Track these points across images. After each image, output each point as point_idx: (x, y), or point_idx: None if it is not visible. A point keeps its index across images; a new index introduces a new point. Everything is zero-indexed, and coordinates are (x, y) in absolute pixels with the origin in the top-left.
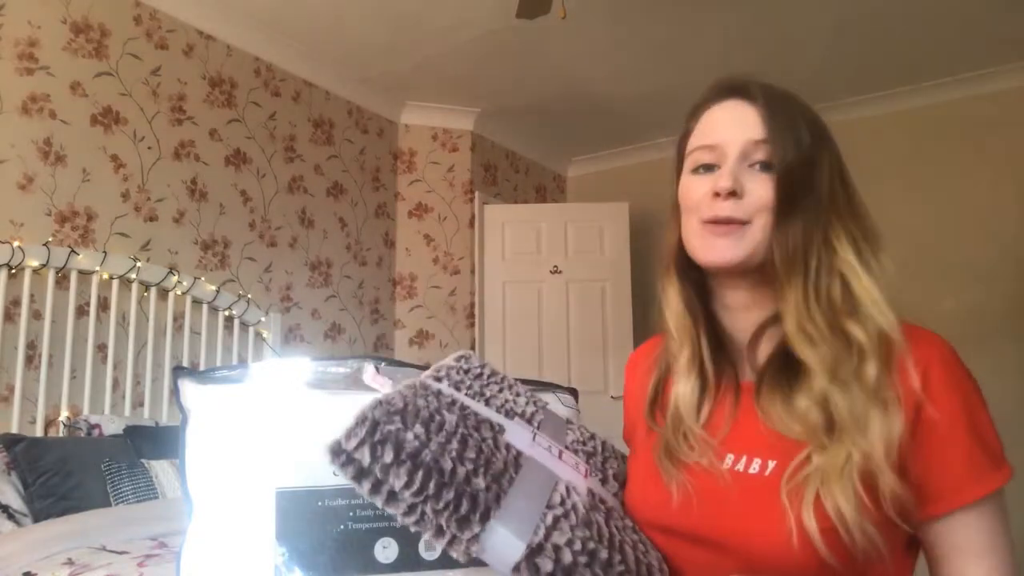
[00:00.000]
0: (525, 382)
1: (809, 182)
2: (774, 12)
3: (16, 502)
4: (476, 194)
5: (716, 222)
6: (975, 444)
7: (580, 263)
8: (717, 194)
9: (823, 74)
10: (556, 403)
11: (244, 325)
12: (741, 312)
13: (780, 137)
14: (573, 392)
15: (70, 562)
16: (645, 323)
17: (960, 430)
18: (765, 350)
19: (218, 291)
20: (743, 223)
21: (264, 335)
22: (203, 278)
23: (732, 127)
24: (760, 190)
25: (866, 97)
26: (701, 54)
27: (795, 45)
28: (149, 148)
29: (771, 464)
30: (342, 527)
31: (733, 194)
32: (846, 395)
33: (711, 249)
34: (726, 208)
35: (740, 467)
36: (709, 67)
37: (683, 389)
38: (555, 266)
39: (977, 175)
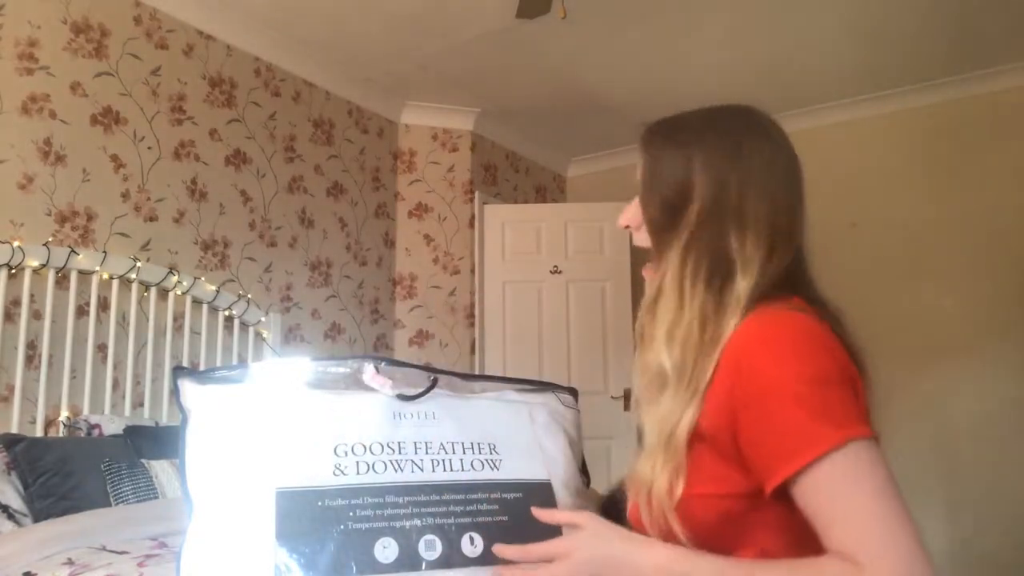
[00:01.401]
0: (525, 382)
1: (673, 223)
2: (774, 13)
3: (16, 502)
4: (476, 194)
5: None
6: (791, 416)
7: (580, 263)
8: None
9: (823, 74)
10: (556, 403)
11: (244, 325)
12: None
13: (647, 192)
14: (573, 392)
15: (70, 562)
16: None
17: (772, 406)
18: None
19: (218, 291)
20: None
21: (264, 335)
22: (203, 278)
23: (638, 173)
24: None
25: (866, 97)
26: (701, 54)
27: (795, 45)
28: (149, 148)
29: None
30: (342, 527)
31: (628, 227)
32: (663, 393)
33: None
34: (632, 238)
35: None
36: (709, 67)
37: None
38: (555, 266)
39: (977, 175)
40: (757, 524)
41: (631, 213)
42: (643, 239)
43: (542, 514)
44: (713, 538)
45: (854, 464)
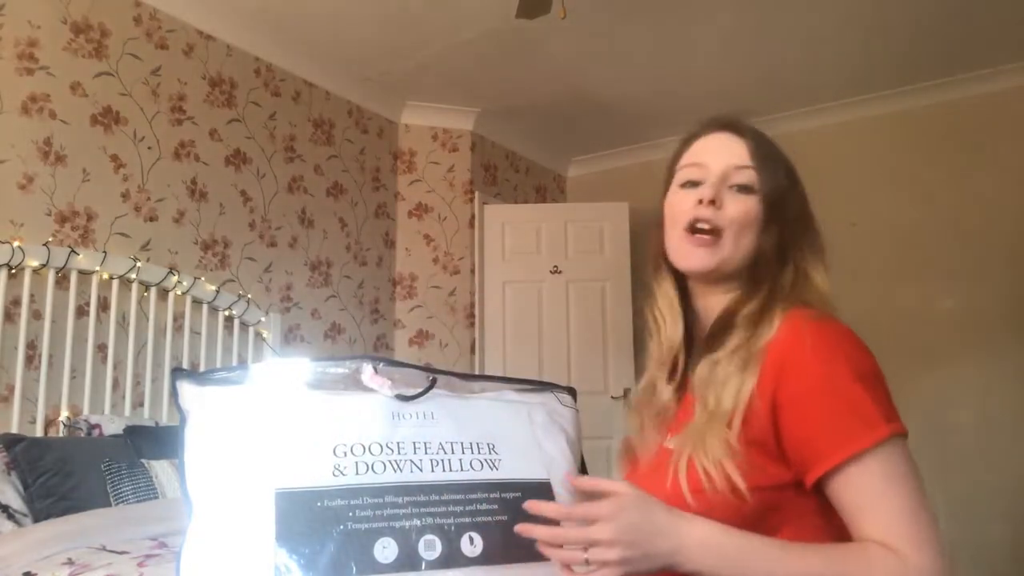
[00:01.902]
0: (524, 382)
1: (782, 207)
2: (774, 13)
3: (16, 502)
4: (476, 194)
5: (695, 230)
6: (836, 411)
7: (580, 263)
8: (700, 201)
9: (823, 74)
10: (555, 403)
11: (244, 325)
12: (709, 314)
13: (765, 167)
14: (572, 392)
15: (70, 562)
16: (645, 323)
17: (817, 400)
18: None
19: (218, 291)
20: (717, 236)
21: (264, 335)
22: (203, 278)
23: (719, 152)
24: (736, 207)
25: (866, 97)
26: (701, 54)
27: (795, 45)
28: (149, 148)
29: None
30: (342, 527)
31: (713, 203)
32: (725, 368)
33: (689, 257)
34: (706, 213)
35: (669, 444)
36: (709, 67)
37: (660, 359)
38: (555, 266)
39: (977, 175)
40: (790, 515)
41: (718, 191)
42: (716, 217)
43: (583, 481)
44: (747, 527)
45: (895, 459)
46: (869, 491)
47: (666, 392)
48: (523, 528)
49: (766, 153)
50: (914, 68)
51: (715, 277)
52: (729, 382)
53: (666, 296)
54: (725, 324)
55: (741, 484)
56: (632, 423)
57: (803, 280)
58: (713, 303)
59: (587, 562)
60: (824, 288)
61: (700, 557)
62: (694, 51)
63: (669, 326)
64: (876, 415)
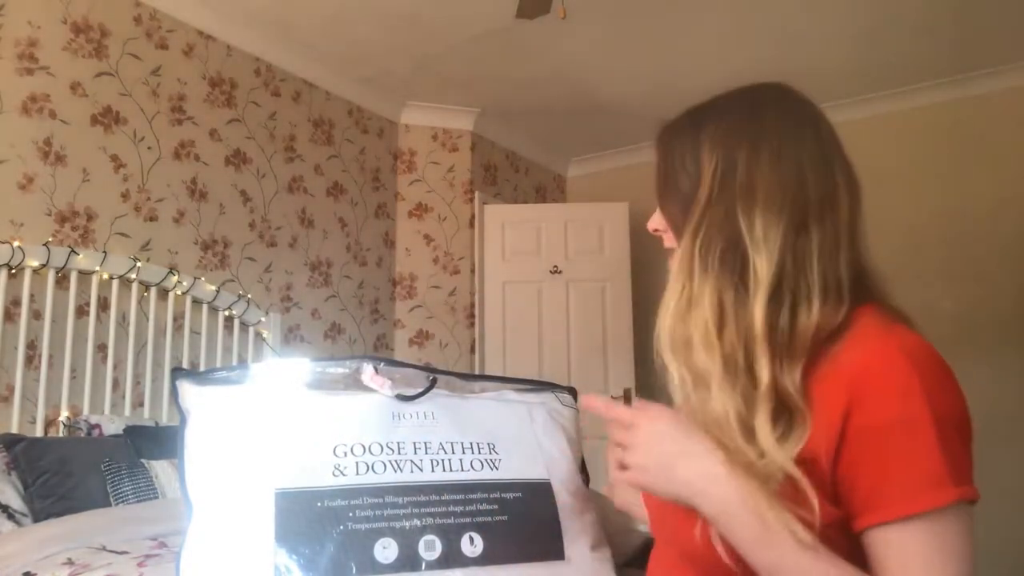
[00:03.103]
0: (524, 382)
1: (689, 212)
2: (773, 13)
3: (16, 502)
4: (476, 194)
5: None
6: (904, 458)
7: (580, 263)
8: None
9: (822, 74)
10: (555, 402)
11: (244, 325)
12: None
13: (662, 195)
14: (572, 391)
15: (70, 562)
16: (645, 323)
17: (886, 441)
18: None
19: (218, 291)
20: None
21: (264, 335)
22: (203, 278)
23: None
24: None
25: (865, 97)
26: (701, 54)
27: (795, 45)
28: (149, 148)
29: None
30: (342, 527)
31: (658, 231)
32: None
33: None
34: (664, 241)
35: None
36: (709, 67)
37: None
38: (555, 266)
39: (977, 175)
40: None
41: (657, 217)
42: (672, 240)
43: (612, 410)
44: None
45: (953, 530)
46: (913, 558)
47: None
48: (587, 400)
49: (665, 169)
50: (914, 68)
51: None
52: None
53: None
54: None
55: (802, 531)
56: None
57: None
58: None
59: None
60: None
61: (721, 518)
62: (694, 51)
63: None
64: (946, 474)
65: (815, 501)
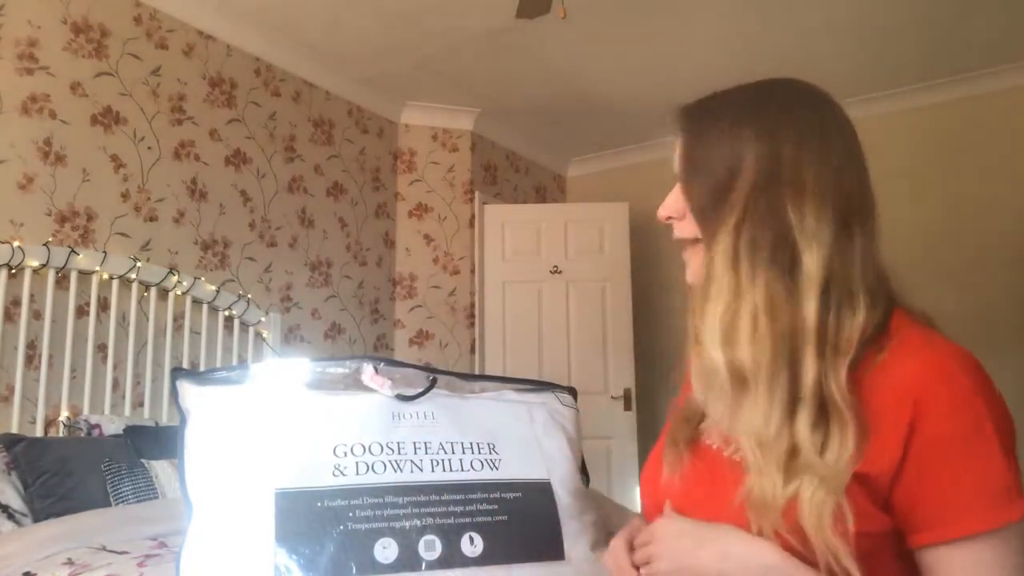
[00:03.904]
0: (524, 382)
1: (723, 204)
2: (773, 13)
3: (16, 502)
4: (476, 194)
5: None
6: (970, 474)
7: (580, 263)
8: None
9: (821, 75)
10: (555, 402)
11: (244, 325)
12: None
13: (690, 178)
14: (572, 391)
15: (70, 562)
16: (645, 323)
17: (952, 455)
18: None
19: (218, 291)
20: (695, 241)
21: (264, 335)
22: (203, 278)
23: (675, 159)
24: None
25: (866, 97)
26: (701, 54)
27: (795, 45)
28: (149, 148)
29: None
30: (342, 527)
31: (671, 218)
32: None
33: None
34: (674, 230)
35: (727, 452)
36: (709, 67)
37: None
38: (555, 266)
39: (978, 175)
40: (871, 565)
41: (672, 202)
42: (687, 229)
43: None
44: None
45: (1013, 547)
46: (984, 572)
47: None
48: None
49: (697, 152)
50: (913, 68)
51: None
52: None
53: None
54: None
55: (851, 526)
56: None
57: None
58: None
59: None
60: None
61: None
62: (694, 51)
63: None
64: (1013, 487)
65: (852, 521)
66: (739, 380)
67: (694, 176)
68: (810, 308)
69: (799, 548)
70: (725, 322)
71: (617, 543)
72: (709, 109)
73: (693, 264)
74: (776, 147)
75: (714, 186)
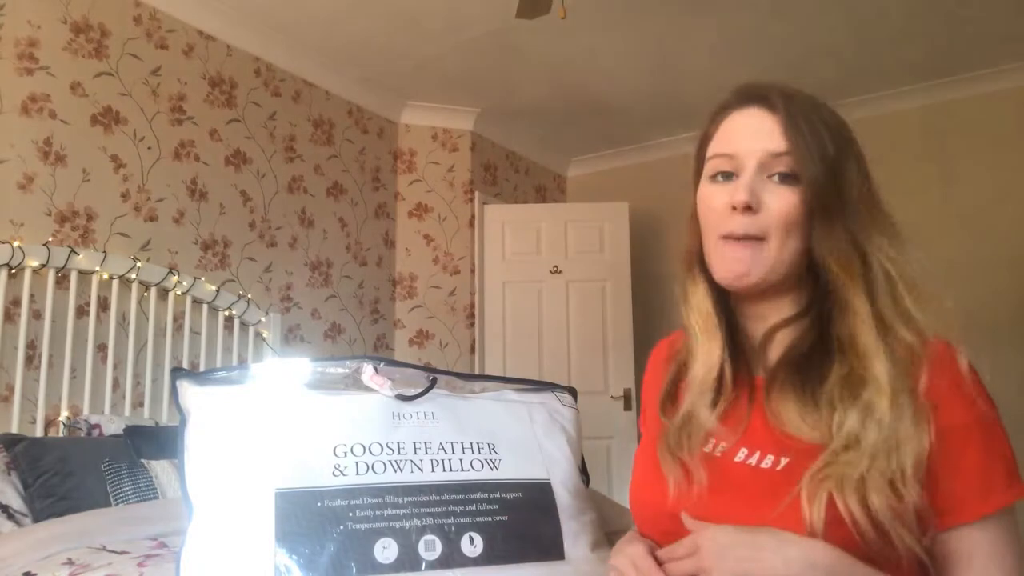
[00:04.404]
0: (524, 382)
1: (837, 191)
2: (772, 14)
3: (16, 502)
4: (476, 194)
5: (732, 237)
6: (988, 457)
7: (580, 263)
8: (734, 207)
9: (821, 74)
10: (555, 402)
11: (244, 325)
12: (759, 321)
13: (803, 149)
14: (572, 391)
15: (70, 562)
16: (645, 323)
17: (974, 442)
18: (776, 351)
19: (218, 291)
20: (758, 240)
21: (264, 335)
22: (203, 278)
23: (752, 137)
24: (778, 204)
25: (866, 97)
26: (701, 54)
27: (795, 45)
28: (149, 148)
29: (783, 461)
30: (342, 527)
31: (749, 208)
32: (894, 410)
33: (728, 269)
34: (742, 224)
35: (752, 461)
36: (709, 67)
37: (701, 385)
38: (555, 266)
39: (978, 175)
40: (892, 557)
41: (760, 188)
42: (755, 224)
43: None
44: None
45: (1017, 520)
46: (986, 551)
47: (709, 420)
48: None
49: (805, 127)
50: (912, 68)
51: (762, 287)
52: (905, 444)
53: (700, 309)
54: (822, 348)
55: (911, 540)
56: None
57: (899, 285)
58: (765, 310)
59: None
60: (936, 297)
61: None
62: (694, 51)
63: (705, 350)
64: (1014, 470)
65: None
66: (862, 388)
67: (804, 145)
68: (906, 331)
69: (857, 540)
70: (873, 328)
71: (638, 550)
72: (814, 106)
73: (753, 256)
74: (863, 161)
75: (827, 159)
